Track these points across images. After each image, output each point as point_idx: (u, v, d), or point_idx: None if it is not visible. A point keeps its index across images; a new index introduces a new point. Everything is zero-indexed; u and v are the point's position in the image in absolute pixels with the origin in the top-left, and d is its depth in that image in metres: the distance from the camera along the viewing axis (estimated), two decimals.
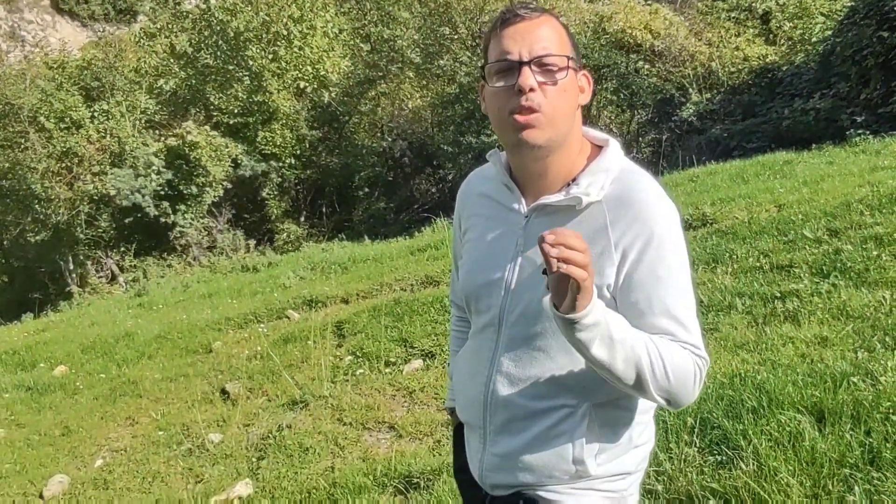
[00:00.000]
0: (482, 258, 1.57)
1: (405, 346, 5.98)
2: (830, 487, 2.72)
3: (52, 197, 17.42)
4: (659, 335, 1.37)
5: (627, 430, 1.50)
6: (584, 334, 1.27)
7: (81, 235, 17.84)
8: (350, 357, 6.11)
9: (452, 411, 1.81)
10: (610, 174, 1.44)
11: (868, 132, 10.61)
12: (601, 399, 1.46)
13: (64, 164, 17.65)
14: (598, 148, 1.51)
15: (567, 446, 1.46)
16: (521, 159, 1.48)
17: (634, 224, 1.38)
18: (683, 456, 3.12)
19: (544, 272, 1.40)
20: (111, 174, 16.89)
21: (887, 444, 2.85)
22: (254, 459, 4.73)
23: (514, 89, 1.37)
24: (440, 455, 4.07)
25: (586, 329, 1.27)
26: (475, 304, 1.58)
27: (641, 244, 1.38)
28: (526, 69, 1.37)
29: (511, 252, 1.50)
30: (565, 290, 1.25)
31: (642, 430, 1.54)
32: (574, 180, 1.45)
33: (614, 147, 1.49)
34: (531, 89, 1.37)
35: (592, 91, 1.51)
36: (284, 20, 18.38)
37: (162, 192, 16.96)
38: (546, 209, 1.46)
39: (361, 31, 20.01)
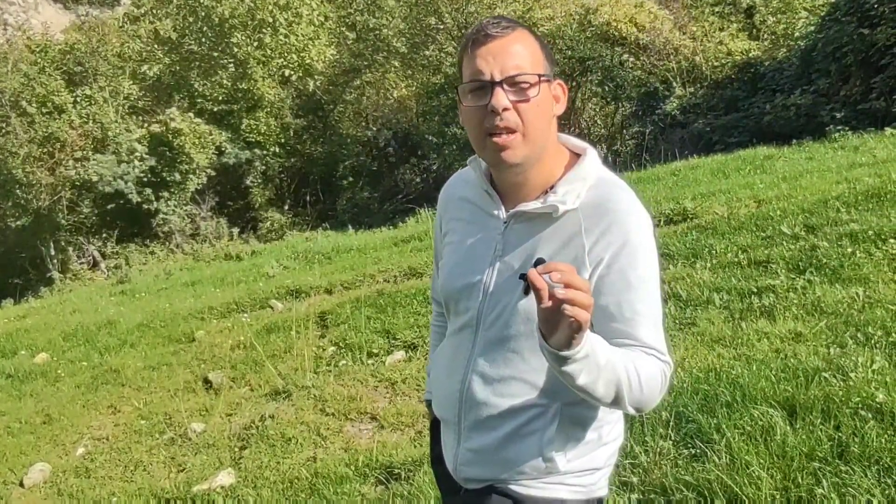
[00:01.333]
0: (462, 261, 1.61)
1: (388, 337, 6.02)
2: (800, 480, 2.79)
3: (34, 182, 17.26)
4: (626, 341, 1.42)
5: (597, 428, 1.55)
6: (572, 367, 1.28)
7: (63, 221, 17.70)
8: (333, 348, 6.14)
9: (430, 404, 1.86)
10: (587, 182, 1.48)
11: (847, 128, 10.76)
12: (571, 399, 1.51)
13: (46, 150, 17.48)
14: (576, 156, 1.55)
15: (538, 444, 1.51)
16: (501, 174, 1.53)
17: (608, 232, 1.42)
18: (659, 449, 3.19)
19: (520, 277, 1.45)
20: (93, 160, 16.76)
21: (855, 439, 2.94)
22: (236, 449, 4.77)
23: (488, 109, 1.40)
24: (421, 446, 4.12)
25: (577, 363, 1.28)
26: (454, 306, 1.63)
27: (614, 251, 1.42)
28: (498, 89, 1.39)
29: (490, 256, 1.54)
30: (556, 324, 1.23)
31: (611, 428, 1.59)
32: (552, 188, 1.49)
33: (592, 156, 1.53)
34: (504, 109, 1.39)
35: (572, 89, 1.54)
36: (270, 7, 18.26)
37: (145, 179, 16.86)
38: (524, 216, 1.50)
39: (347, 20, 19.91)
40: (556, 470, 1.52)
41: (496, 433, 1.54)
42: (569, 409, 1.51)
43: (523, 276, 1.44)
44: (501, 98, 1.39)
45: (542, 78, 1.43)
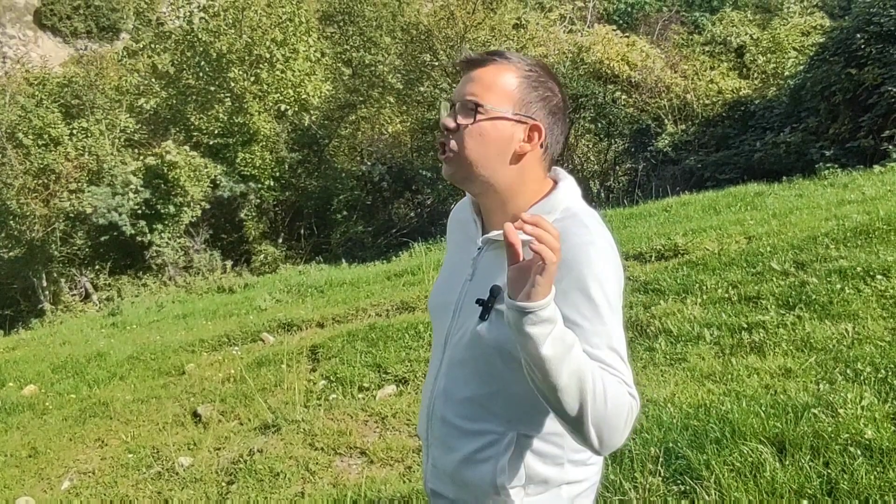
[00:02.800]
0: (442, 282, 1.71)
1: (379, 371, 6.00)
2: None
3: (28, 213, 17.21)
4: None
5: (557, 465, 1.53)
6: (537, 328, 1.26)
7: (56, 252, 17.62)
8: (324, 381, 6.11)
9: None
10: (553, 215, 1.51)
11: (836, 166, 10.89)
12: (528, 431, 1.51)
13: (41, 181, 17.49)
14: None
15: (492, 472, 1.51)
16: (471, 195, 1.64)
17: (563, 265, 1.40)
18: (648, 485, 3.18)
19: (478, 301, 1.49)
20: (88, 192, 16.76)
21: (845, 475, 2.93)
22: (224, 484, 4.71)
23: None
24: (411, 481, 4.09)
25: (541, 323, 1.26)
26: (433, 322, 1.72)
27: (567, 283, 1.40)
28: (449, 109, 1.55)
29: (462, 279, 1.61)
30: (523, 284, 1.28)
31: (575, 468, 1.56)
32: None
33: (563, 188, 1.56)
34: (446, 128, 1.53)
35: (545, 136, 1.53)
36: (267, 43, 18.46)
37: (139, 211, 16.84)
38: (493, 244, 1.56)
39: (343, 56, 20.17)
40: (511, 502, 1.52)
41: (454, 454, 1.57)
42: (526, 440, 1.52)
43: (479, 301, 1.48)
44: (445, 117, 1.55)
45: (479, 107, 1.50)
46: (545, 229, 1.25)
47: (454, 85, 15.62)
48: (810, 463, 3.06)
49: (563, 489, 1.55)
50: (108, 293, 16.87)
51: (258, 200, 18.77)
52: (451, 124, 1.52)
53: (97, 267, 17.80)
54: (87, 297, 17.49)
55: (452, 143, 1.52)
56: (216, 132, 18.75)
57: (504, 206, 1.55)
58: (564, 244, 1.41)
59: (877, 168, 10.15)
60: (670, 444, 3.41)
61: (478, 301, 1.48)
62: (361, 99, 18.47)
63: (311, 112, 19.31)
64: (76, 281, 17.82)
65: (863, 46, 11.58)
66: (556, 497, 1.55)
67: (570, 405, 1.30)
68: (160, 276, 17.28)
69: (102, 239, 17.30)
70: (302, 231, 19.28)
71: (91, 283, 17.68)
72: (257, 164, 18.46)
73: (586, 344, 1.38)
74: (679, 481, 3.18)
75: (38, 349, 10.34)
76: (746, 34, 19.25)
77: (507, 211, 1.55)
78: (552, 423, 1.51)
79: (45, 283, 17.87)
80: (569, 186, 1.57)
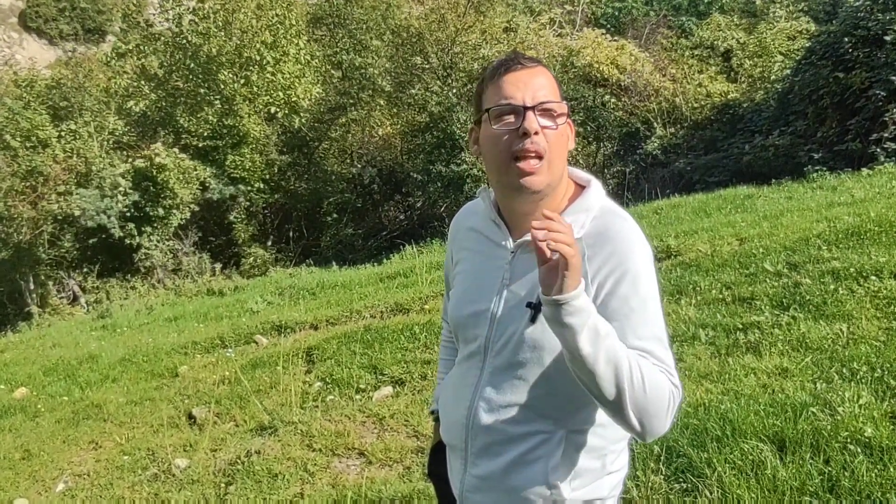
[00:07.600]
0: (470, 290, 1.66)
1: (375, 372, 6.00)
2: None
3: (15, 216, 17.06)
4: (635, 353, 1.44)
5: (601, 457, 1.58)
6: (572, 318, 1.32)
7: (43, 255, 17.48)
8: (319, 383, 6.10)
9: (436, 417, 1.89)
10: (590, 213, 1.54)
11: (825, 168, 10.99)
12: (576, 427, 1.54)
13: (28, 184, 17.35)
14: (581, 187, 1.61)
15: (543, 471, 1.53)
16: (515, 202, 1.57)
17: (610, 259, 1.47)
18: (650, 483, 3.21)
19: (528, 305, 1.49)
20: (77, 194, 16.64)
21: (845, 473, 2.97)
22: (222, 485, 4.70)
23: (519, 133, 1.46)
24: (410, 482, 4.10)
25: (575, 313, 1.32)
26: (462, 333, 1.67)
27: (616, 278, 1.46)
28: (530, 113, 1.47)
29: (497, 285, 1.59)
30: (554, 280, 1.32)
31: (615, 457, 1.61)
32: None
33: (596, 187, 1.60)
34: (536, 132, 1.46)
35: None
36: (257, 46, 18.41)
37: (128, 214, 16.74)
38: (531, 245, 1.54)
39: (333, 59, 20.14)
40: (560, 498, 1.54)
41: (502, 459, 1.56)
42: (574, 436, 1.54)
43: (530, 305, 1.48)
44: (534, 122, 1.46)
45: (567, 109, 1.52)
46: (556, 229, 1.29)
47: (445, 88, 15.64)
48: (811, 461, 3.10)
49: (604, 480, 1.59)
50: (97, 296, 16.75)
51: (247, 203, 18.70)
52: (539, 128, 1.47)
53: (85, 270, 17.66)
54: (74, 300, 17.35)
55: (544, 146, 1.47)
56: (206, 134, 18.67)
57: (540, 207, 1.55)
58: (610, 240, 1.48)
59: (864, 171, 10.26)
60: (671, 443, 3.44)
61: (528, 304, 1.49)
62: (351, 101, 18.45)
63: (301, 114, 19.27)
64: (64, 284, 17.67)
65: (850, 50, 11.70)
66: (598, 489, 1.58)
67: (609, 392, 1.36)
68: (149, 278, 17.18)
69: (91, 242, 17.18)
70: (291, 234, 19.22)
71: (79, 286, 17.54)
72: (247, 167, 18.40)
73: (634, 334, 1.43)
74: (681, 479, 3.21)
75: (28, 352, 10.26)
76: (733, 38, 19.41)
77: (540, 210, 1.54)
78: (598, 416, 1.54)
79: (32, 286, 17.72)
80: (598, 185, 1.61)
